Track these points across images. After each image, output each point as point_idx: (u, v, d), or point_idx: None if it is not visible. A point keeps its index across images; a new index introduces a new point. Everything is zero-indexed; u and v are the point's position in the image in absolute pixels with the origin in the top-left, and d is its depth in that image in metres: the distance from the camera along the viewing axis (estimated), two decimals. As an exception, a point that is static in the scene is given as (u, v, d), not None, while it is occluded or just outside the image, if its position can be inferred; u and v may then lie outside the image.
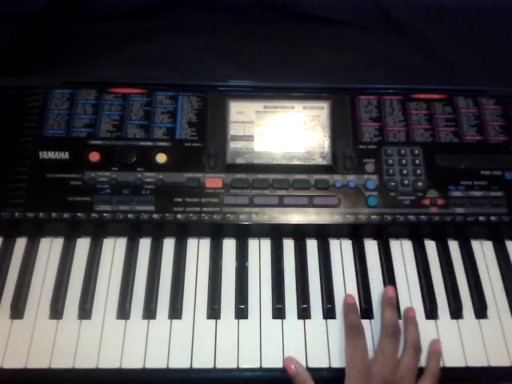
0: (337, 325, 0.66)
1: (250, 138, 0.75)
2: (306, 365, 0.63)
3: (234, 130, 0.75)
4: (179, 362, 0.63)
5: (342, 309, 0.67)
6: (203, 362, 0.63)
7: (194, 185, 0.71)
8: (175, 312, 0.66)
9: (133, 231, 0.72)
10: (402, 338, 0.65)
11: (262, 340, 0.64)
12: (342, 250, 0.72)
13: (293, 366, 0.62)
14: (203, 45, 0.92)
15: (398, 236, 0.74)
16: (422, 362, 0.63)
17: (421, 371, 0.62)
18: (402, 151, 0.74)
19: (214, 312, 0.66)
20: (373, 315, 0.67)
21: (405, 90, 0.79)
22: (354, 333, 0.65)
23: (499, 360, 0.64)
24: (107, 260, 0.70)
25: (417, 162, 0.74)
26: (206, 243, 0.72)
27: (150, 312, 0.66)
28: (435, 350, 0.64)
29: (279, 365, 0.63)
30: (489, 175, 0.73)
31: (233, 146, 0.74)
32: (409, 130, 0.76)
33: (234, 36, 0.93)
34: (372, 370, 0.61)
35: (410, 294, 0.69)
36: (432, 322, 0.67)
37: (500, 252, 0.73)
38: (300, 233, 0.73)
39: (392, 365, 0.62)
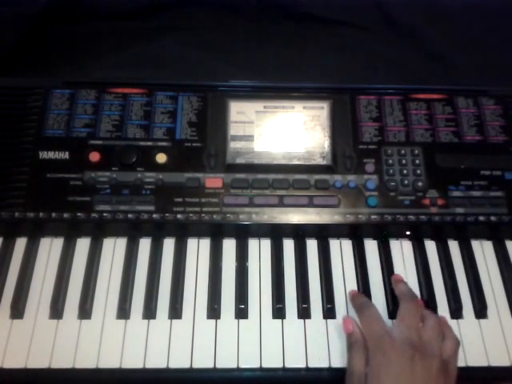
0: (337, 325, 0.66)
1: (249, 138, 0.75)
2: (306, 365, 0.63)
3: (233, 130, 0.75)
4: (179, 361, 0.63)
5: (348, 298, 0.68)
6: (203, 361, 0.63)
7: (193, 185, 0.71)
8: (175, 312, 0.66)
9: (133, 231, 0.72)
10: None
11: (262, 340, 0.64)
12: (342, 250, 0.73)
13: (351, 327, 0.62)
14: (203, 45, 0.91)
15: (397, 236, 0.74)
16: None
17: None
18: (402, 151, 0.74)
19: (214, 312, 0.66)
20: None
21: (405, 90, 0.79)
22: (364, 306, 0.64)
23: (499, 360, 0.64)
24: (107, 260, 0.70)
25: (417, 162, 0.74)
26: (205, 243, 0.72)
27: (150, 312, 0.66)
28: (444, 321, 0.64)
29: (279, 365, 0.63)
30: (489, 175, 0.73)
31: (233, 145, 0.74)
32: (409, 130, 0.76)
33: (234, 36, 0.93)
34: (394, 335, 0.58)
35: (410, 293, 0.69)
36: (432, 321, 0.67)
37: (500, 252, 0.73)
38: (299, 233, 0.73)
39: (417, 327, 0.59)
